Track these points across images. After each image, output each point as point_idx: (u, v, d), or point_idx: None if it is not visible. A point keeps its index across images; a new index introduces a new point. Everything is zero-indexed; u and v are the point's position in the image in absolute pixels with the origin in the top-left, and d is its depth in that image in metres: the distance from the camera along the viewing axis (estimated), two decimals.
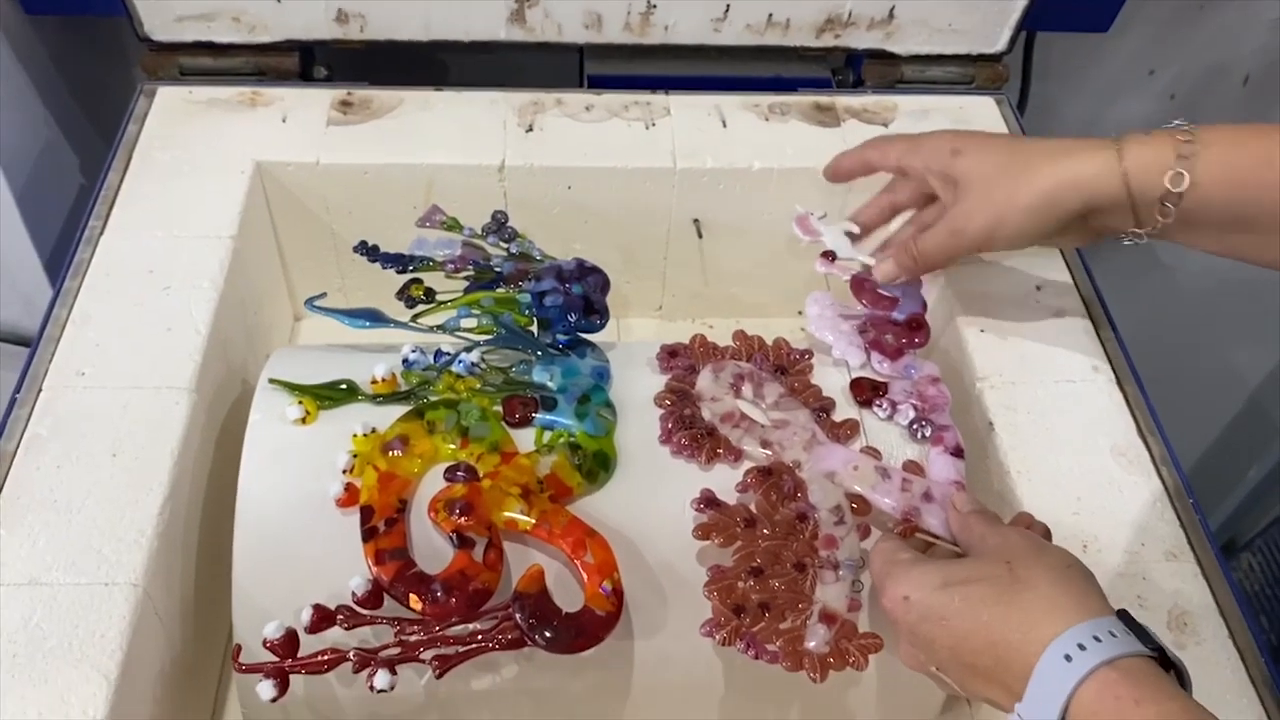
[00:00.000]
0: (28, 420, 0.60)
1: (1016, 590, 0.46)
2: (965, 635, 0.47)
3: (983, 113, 0.86)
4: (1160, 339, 1.28)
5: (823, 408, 0.62)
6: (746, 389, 0.63)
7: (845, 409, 0.63)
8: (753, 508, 0.58)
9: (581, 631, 0.54)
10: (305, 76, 0.85)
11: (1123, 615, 0.45)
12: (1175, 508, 0.61)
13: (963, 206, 0.61)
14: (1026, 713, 0.44)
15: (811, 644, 0.55)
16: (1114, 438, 0.64)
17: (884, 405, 0.63)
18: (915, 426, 0.62)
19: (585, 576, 0.56)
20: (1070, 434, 0.64)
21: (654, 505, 0.59)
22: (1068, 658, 0.43)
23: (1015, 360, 0.67)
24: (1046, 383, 0.66)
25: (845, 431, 0.62)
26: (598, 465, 0.59)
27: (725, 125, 0.81)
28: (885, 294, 0.67)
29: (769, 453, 0.60)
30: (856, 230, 0.70)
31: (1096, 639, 0.43)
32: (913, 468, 0.60)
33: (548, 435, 0.60)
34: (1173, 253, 1.28)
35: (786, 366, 0.64)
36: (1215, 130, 0.57)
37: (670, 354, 0.65)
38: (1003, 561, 0.48)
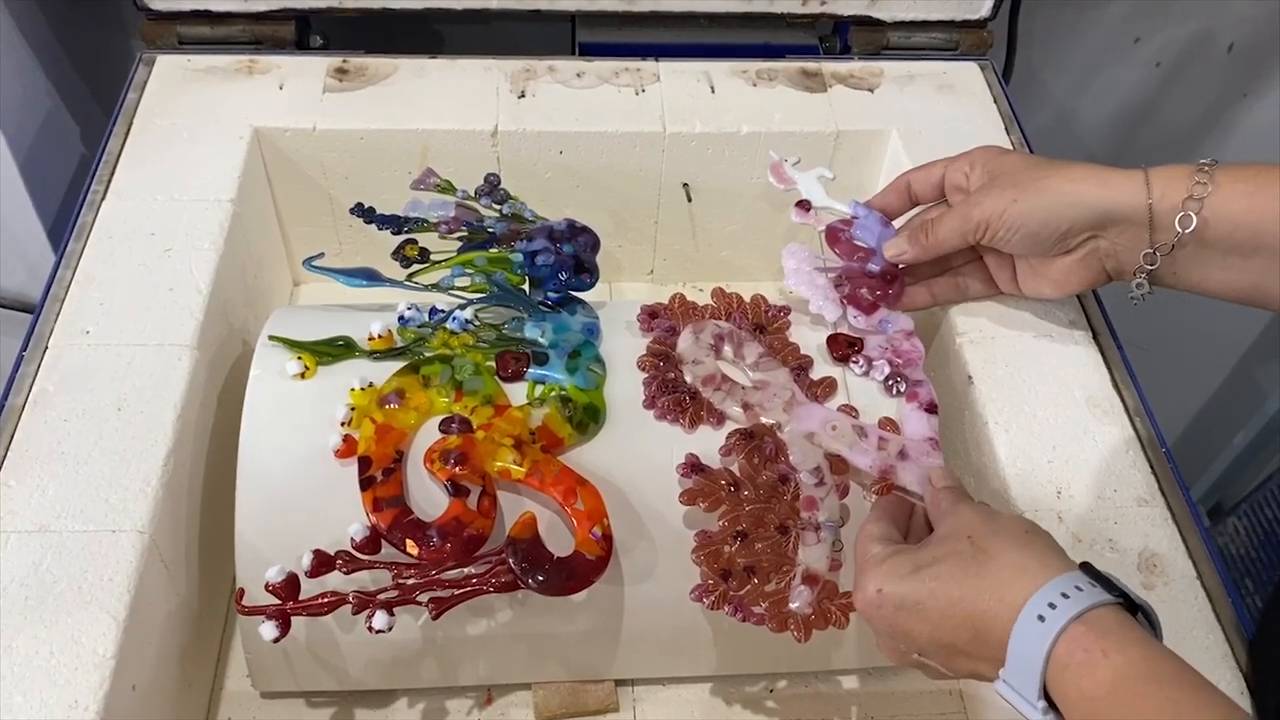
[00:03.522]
0: (35, 376, 0.62)
1: (981, 561, 0.48)
2: (941, 615, 0.48)
3: (967, 79, 0.87)
4: (1148, 306, 1.30)
5: (801, 366, 0.64)
6: (727, 349, 0.65)
7: (822, 366, 0.65)
8: (735, 470, 0.60)
9: (572, 574, 0.56)
10: (301, 45, 0.86)
11: (1086, 568, 0.47)
12: (1147, 456, 0.63)
13: (985, 187, 0.63)
14: (1011, 678, 0.45)
15: (795, 605, 0.57)
16: (1089, 389, 0.65)
17: (860, 362, 0.65)
18: (890, 382, 0.64)
19: (576, 523, 0.58)
20: (1046, 386, 0.65)
21: (641, 456, 0.61)
22: (1040, 618, 0.44)
23: (994, 316, 0.69)
24: (1025, 338, 0.68)
25: (823, 390, 0.64)
26: (588, 417, 0.61)
27: (714, 91, 0.83)
28: (860, 245, 0.68)
29: (750, 414, 0.62)
30: (831, 176, 0.71)
31: (1065, 595, 0.44)
32: (888, 425, 0.62)
33: (539, 389, 0.62)
34: None
35: (765, 324, 0.66)
36: (1236, 164, 0.57)
37: (650, 315, 0.66)
38: (963, 537, 0.50)
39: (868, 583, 0.51)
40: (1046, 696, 0.44)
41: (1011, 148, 0.65)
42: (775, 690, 0.69)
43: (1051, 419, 0.64)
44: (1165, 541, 0.59)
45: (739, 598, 0.57)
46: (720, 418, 0.62)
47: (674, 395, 0.62)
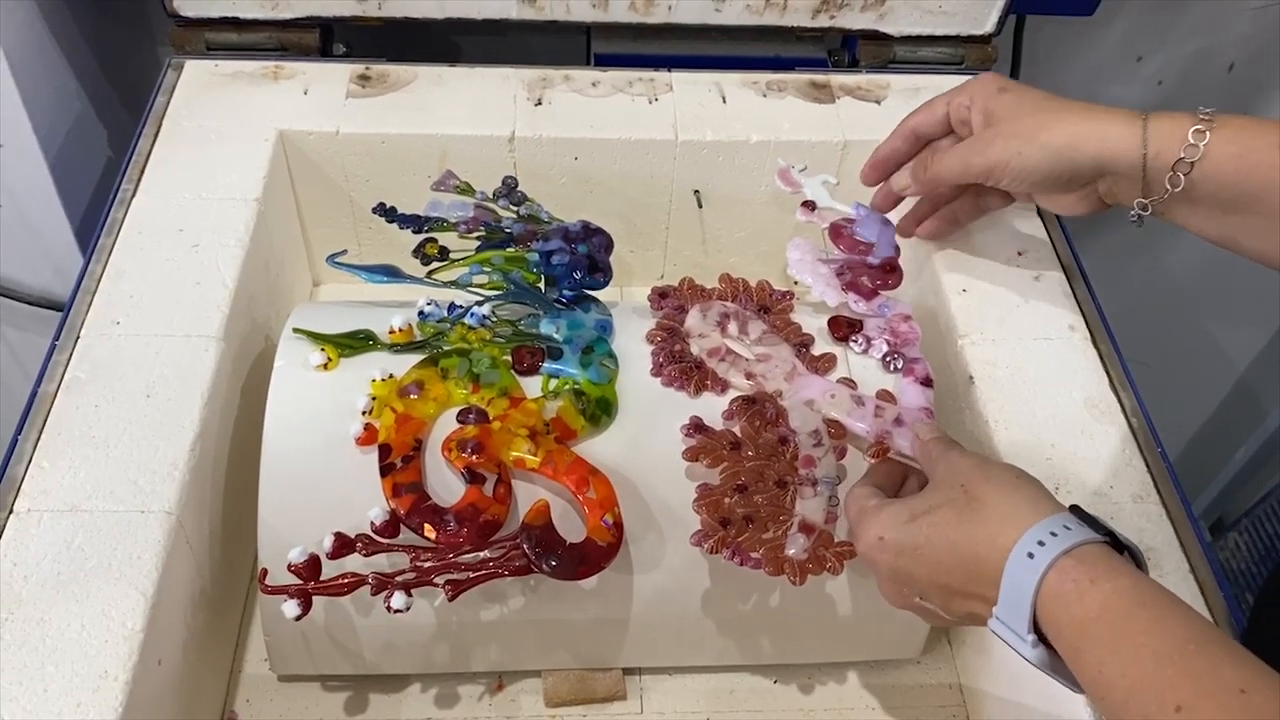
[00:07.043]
0: (66, 365, 0.64)
1: (974, 508, 0.50)
2: (938, 559, 0.51)
3: None
4: (1150, 322, 1.32)
5: (803, 343, 0.67)
6: (732, 327, 0.68)
7: (824, 345, 0.68)
8: (737, 432, 0.62)
9: (584, 560, 0.58)
10: (325, 52, 0.89)
11: (1075, 510, 0.49)
12: (1143, 454, 0.65)
13: (987, 133, 0.64)
14: (1003, 614, 0.48)
15: (791, 551, 0.59)
16: (1087, 390, 0.67)
17: (859, 340, 0.68)
18: (888, 359, 0.67)
19: (587, 510, 0.60)
20: (1046, 387, 0.67)
21: (652, 447, 0.63)
22: (1030, 555, 0.46)
23: (995, 319, 0.71)
24: (1025, 340, 0.70)
25: (824, 364, 0.67)
26: (600, 410, 0.63)
27: (725, 101, 0.85)
28: (861, 240, 0.71)
29: (752, 383, 0.65)
30: (835, 182, 0.75)
31: (1054, 534, 0.47)
32: (885, 396, 0.65)
33: (554, 382, 0.64)
34: (1162, 236, 1.32)
35: (769, 306, 0.69)
36: (1235, 115, 0.59)
37: (661, 295, 0.70)
38: (957, 485, 0.52)
39: (868, 530, 0.54)
40: (1038, 632, 0.46)
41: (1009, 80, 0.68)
42: (779, 681, 0.70)
43: (1050, 418, 0.66)
44: (1160, 536, 0.61)
45: (737, 543, 0.59)
46: (724, 386, 0.65)
47: (680, 364, 0.65)
